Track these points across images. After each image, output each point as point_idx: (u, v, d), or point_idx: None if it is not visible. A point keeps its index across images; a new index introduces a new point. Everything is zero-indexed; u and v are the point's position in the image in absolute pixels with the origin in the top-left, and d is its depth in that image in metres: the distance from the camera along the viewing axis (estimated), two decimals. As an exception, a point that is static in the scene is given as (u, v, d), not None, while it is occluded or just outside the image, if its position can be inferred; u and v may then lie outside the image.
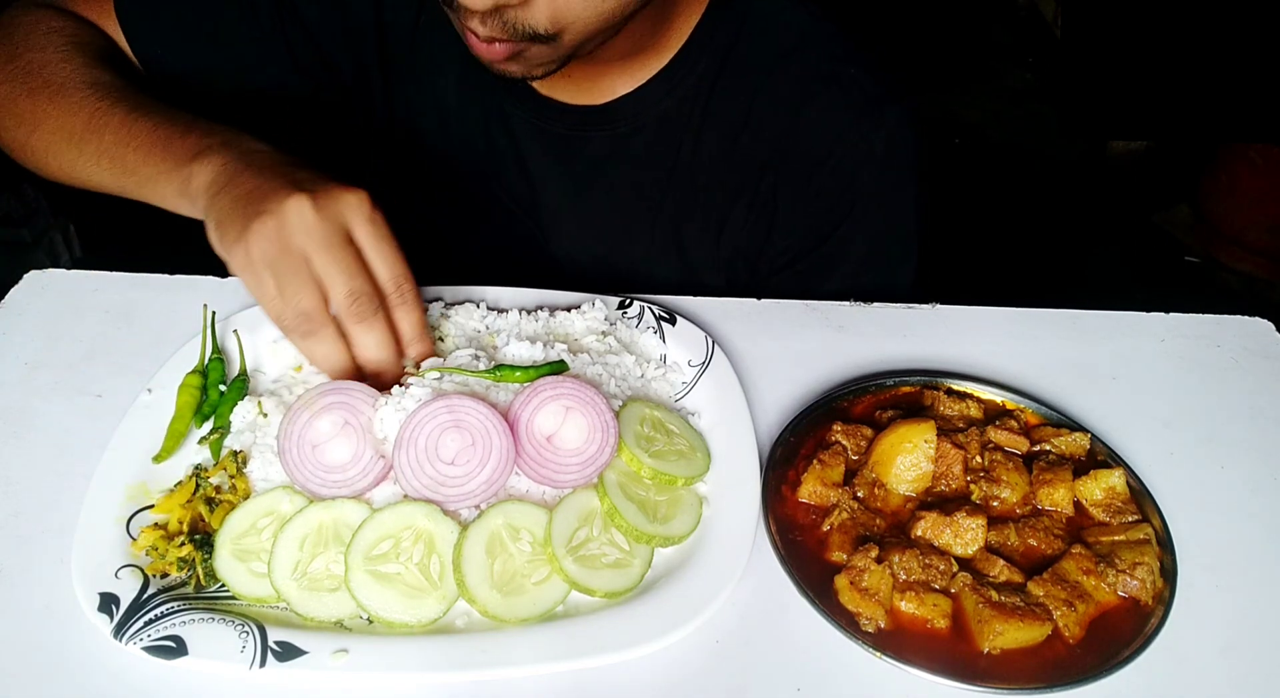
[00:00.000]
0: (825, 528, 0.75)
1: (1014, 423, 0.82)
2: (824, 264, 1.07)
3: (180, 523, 0.73)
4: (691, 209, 1.08)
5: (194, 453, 0.81)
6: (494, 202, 1.12)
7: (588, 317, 0.91)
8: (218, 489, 0.76)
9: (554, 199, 1.10)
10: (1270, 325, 1.00)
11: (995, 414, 0.85)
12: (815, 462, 0.78)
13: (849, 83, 1.01)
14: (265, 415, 0.80)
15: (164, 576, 0.70)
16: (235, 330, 0.89)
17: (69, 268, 1.02)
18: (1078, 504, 0.77)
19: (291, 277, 0.74)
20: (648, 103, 1.02)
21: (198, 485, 0.76)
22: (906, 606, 0.68)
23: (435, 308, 0.90)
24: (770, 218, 1.07)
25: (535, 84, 1.03)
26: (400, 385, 0.79)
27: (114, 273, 1.01)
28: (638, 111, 1.03)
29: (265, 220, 0.73)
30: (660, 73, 1.01)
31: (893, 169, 1.03)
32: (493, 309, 0.92)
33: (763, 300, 1.01)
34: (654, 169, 1.06)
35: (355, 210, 0.76)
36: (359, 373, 0.80)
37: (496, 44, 0.79)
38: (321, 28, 1.05)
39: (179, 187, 0.83)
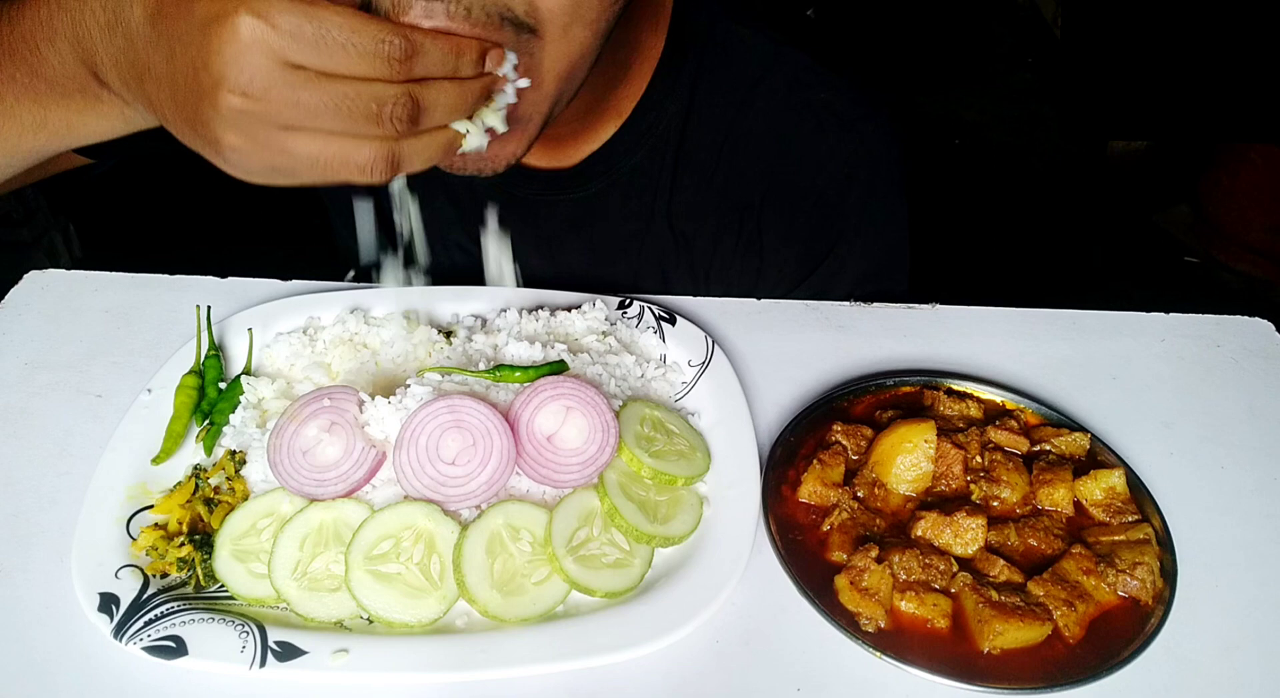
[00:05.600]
0: (825, 528, 0.75)
1: (1014, 423, 0.82)
2: (820, 287, 1.06)
3: (180, 523, 0.73)
4: (676, 257, 1.04)
5: (193, 453, 0.81)
6: (466, 260, 1.07)
7: (588, 317, 0.91)
8: (216, 490, 0.76)
9: (529, 260, 1.05)
10: (1270, 325, 1.00)
11: (995, 414, 0.85)
12: (815, 462, 0.78)
13: (821, 107, 0.98)
14: (262, 426, 0.81)
15: (164, 576, 0.70)
16: (250, 329, 0.89)
17: (69, 268, 1.02)
18: (1078, 504, 0.77)
19: (325, 93, 0.55)
20: (617, 158, 0.98)
21: (197, 486, 0.76)
22: (906, 606, 0.68)
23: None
24: (759, 258, 1.04)
25: None
26: (404, 389, 0.78)
27: (114, 273, 1.01)
28: (607, 169, 0.98)
29: (231, 96, 0.55)
30: (626, 125, 0.96)
31: (878, 185, 1.02)
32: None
33: (763, 300, 1.01)
34: (632, 222, 1.02)
35: (260, 46, 0.54)
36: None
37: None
38: None
39: (121, 115, 0.66)
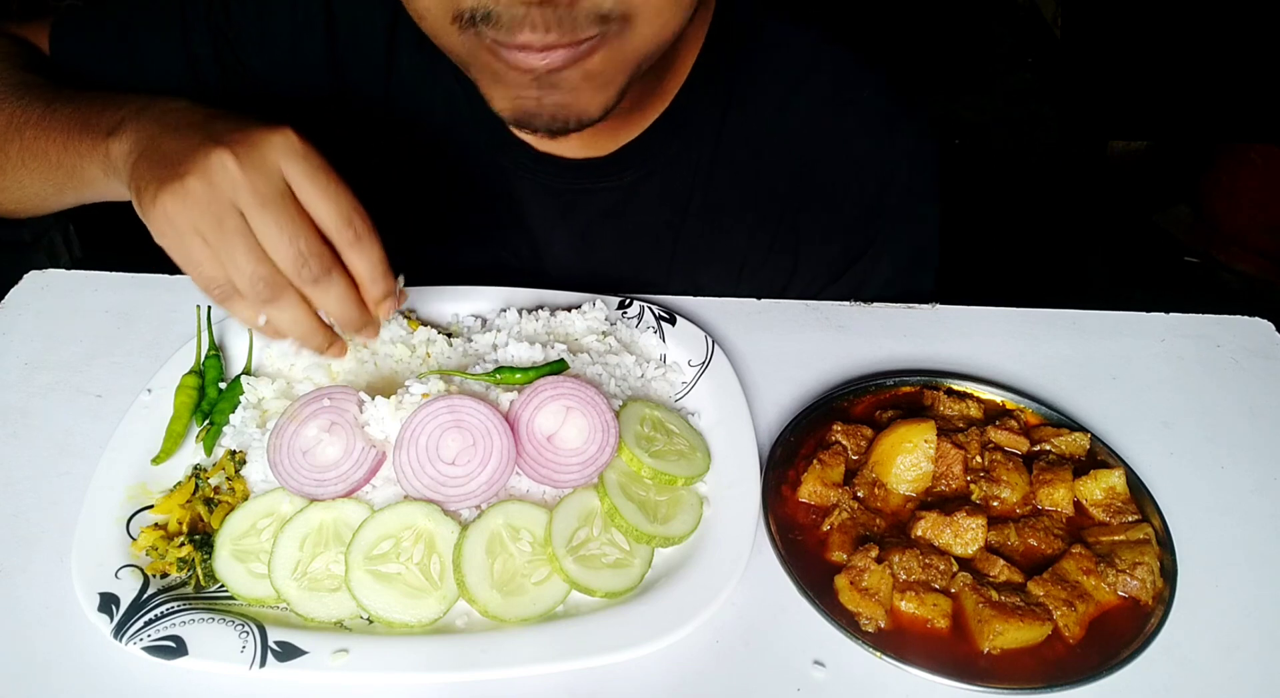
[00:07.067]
0: (825, 528, 0.75)
1: (1014, 423, 0.82)
2: (851, 287, 1.06)
3: (180, 523, 0.73)
4: (708, 253, 1.04)
5: (193, 453, 0.81)
6: (491, 255, 1.07)
7: (588, 317, 0.91)
8: (216, 490, 0.76)
9: (559, 252, 1.05)
10: (1270, 325, 1.00)
11: (995, 414, 0.85)
12: (815, 462, 0.78)
13: (863, 106, 0.99)
14: (262, 426, 0.80)
15: (164, 576, 0.70)
16: (250, 329, 0.89)
17: (69, 268, 1.02)
18: (1078, 504, 0.77)
19: (235, 241, 0.67)
20: (654, 149, 0.98)
21: (197, 486, 0.76)
22: (906, 606, 0.68)
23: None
24: (794, 256, 1.04)
25: (532, 140, 0.96)
26: (404, 389, 0.78)
27: (114, 273, 1.01)
28: (644, 158, 0.98)
29: (188, 181, 0.67)
30: (664, 116, 0.96)
31: (917, 186, 1.02)
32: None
33: (763, 300, 1.01)
34: (666, 215, 1.02)
35: (283, 150, 0.68)
36: (344, 352, 0.77)
37: (555, 51, 0.69)
38: (270, 78, 0.98)
39: (101, 165, 0.78)
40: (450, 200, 1.04)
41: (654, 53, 0.75)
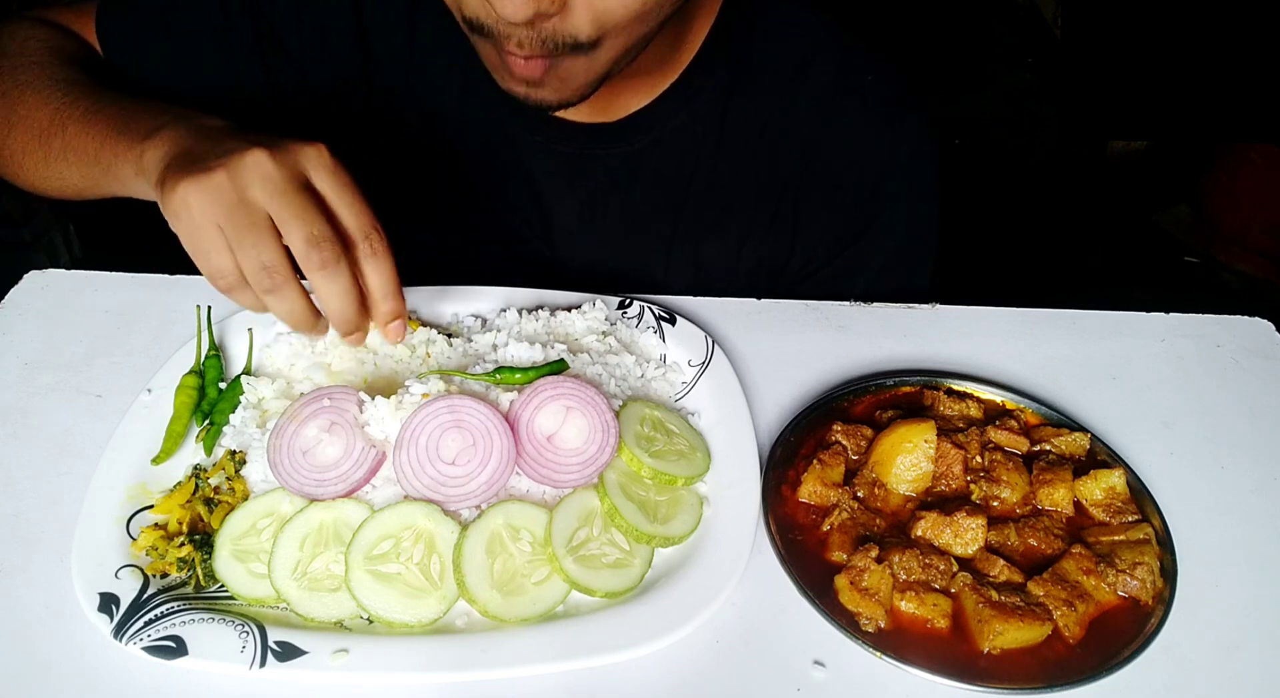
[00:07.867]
0: (825, 528, 0.75)
1: (1014, 423, 0.82)
2: (846, 272, 1.07)
3: (180, 523, 0.73)
4: (710, 226, 1.06)
5: (193, 453, 0.81)
6: (500, 222, 1.09)
7: (588, 317, 0.91)
8: (216, 490, 0.76)
9: (566, 219, 1.07)
10: (1270, 325, 1.00)
11: (995, 414, 0.85)
12: (815, 462, 0.78)
13: (868, 93, 1.00)
14: (262, 426, 0.80)
15: (164, 576, 0.70)
16: (250, 329, 0.89)
17: (69, 268, 1.02)
18: (1078, 504, 0.77)
19: (249, 228, 0.68)
20: (661, 118, 1.00)
21: (197, 486, 0.76)
22: (906, 606, 0.68)
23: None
24: (793, 232, 1.06)
25: None
26: (404, 389, 0.78)
27: (114, 273, 1.01)
28: (651, 127, 1.00)
29: (215, 173, 0.69)
30: (672, 87, 0.99)
31: (917, 177, 1.03)
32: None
33: (763, 300, 1.01)
34: (670, 186, 1.04)
35: (315, 160, 0.72)
36: (327, 330, 0.77)
37: (535, 60, 0.75)
38: (302, 54, 1.02)
39: (134, 165, 0.80)
40: (464, 165, 1.06)
41: (625, 59, 0.80)
